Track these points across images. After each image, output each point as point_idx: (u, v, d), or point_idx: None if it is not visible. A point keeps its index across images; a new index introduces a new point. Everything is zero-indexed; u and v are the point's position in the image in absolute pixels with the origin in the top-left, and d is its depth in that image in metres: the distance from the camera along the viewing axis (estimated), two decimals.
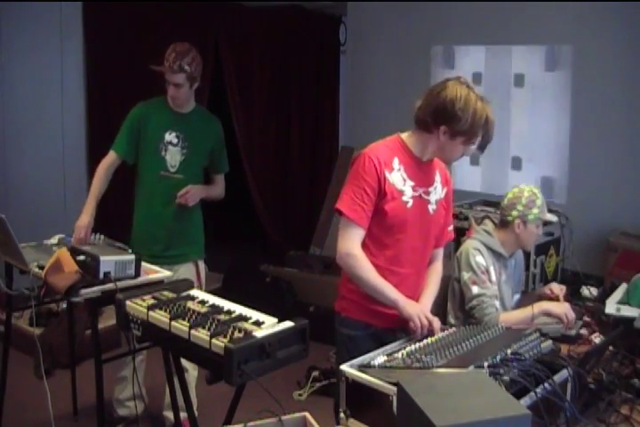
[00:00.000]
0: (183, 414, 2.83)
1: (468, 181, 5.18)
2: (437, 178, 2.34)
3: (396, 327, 2.28)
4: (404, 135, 2.29)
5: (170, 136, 3.14)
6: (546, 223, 2.92)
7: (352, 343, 2.07)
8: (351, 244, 2.18)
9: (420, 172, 2.27)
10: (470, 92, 2.15)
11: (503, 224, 2.78)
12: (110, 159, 3.16)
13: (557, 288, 2.82)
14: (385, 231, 2.22)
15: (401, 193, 2.21)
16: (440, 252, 2.47)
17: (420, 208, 2.26)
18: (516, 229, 2.72)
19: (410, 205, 2.23)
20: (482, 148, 2.24)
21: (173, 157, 3.15)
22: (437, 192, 2.33)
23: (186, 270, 3.25)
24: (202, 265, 3.38)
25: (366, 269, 2.18)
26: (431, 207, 2.30)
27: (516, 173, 4.95)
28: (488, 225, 2.83)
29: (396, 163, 2.21)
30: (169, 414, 3.24)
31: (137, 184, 3.24)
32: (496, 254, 2.75)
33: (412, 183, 2.24)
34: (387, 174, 2.18)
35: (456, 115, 2.12)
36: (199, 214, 3.35)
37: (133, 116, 3.17)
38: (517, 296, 2.92)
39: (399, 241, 2.24)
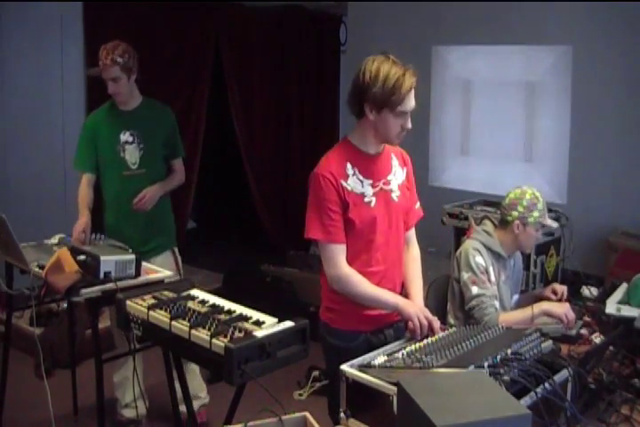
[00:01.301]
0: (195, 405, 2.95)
1: (469, 181, 5.17)
2: (394, 162, 2.32)
3: (383, 327, 2.31)
4: (350, 136, 2.27)
5: (125, 136, 3.18)
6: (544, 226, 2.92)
7: (345, 355, 2.03)
8: (337, 265, 2.18)
9: (375, 166, 2.25)
10: (385, 61, 2.12)
11: (502, 224, 2.78)
12: (85, 180, 3.22)
13: (560, 289, 2.81)
14: (357, 238, 2.21)
15: (362, 196, 2.20)
16: (412, 234, 2.44)
17: (384, 201, 2.24)
18: (515, 229, 2.72)
19: (373, 203, 2.22)
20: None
21: (132, 154, 3.18)
22: (398, 177, 2.31)
23: (164, 260, 3.27)
24: (177, 253, 3.39)
25: (359, 284, 2.19)
26: (395, 195, 2.28)
27: (517, 173, 4.94)
28: (487, 225, 2.82)
29: (349, 168, 2.19)
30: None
31: (102, 188, 3.27)
32: (495, 255, 2.74)
33: (370, 181, 2.22)
34: (344, 184, 2.17)
35: (367, 86, 2.09)
36: (168, 203, 3.37)
37: (87, 129, 3.25)
38: (516, 296, 2.92)
39: (371, 242, 2.24)
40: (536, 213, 2.70)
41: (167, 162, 3.33)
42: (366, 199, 2.21)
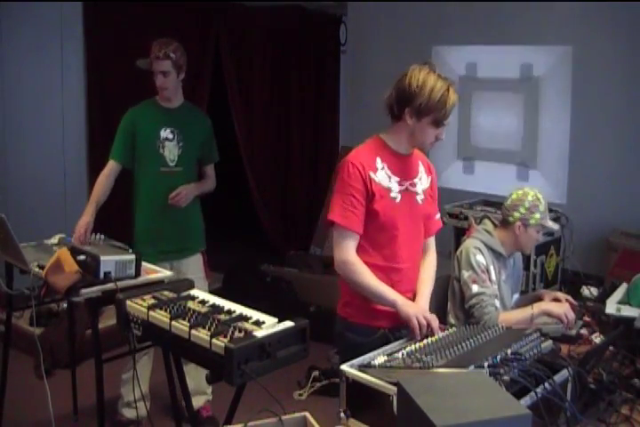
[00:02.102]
0: (197, 404, 3.12)
1: (469, 181, 5.18)
2: (421, 168, 2.39)
3: (400, 325, 2.30)
4: (383, 134, 2.34)
5: (165, 132, 3.21)
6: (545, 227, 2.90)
7: (362, 350, 2.03)
8: (345, 251, 2.22)
9: (403, 166, 2.32)
10: (430, 73, 2.21)
11: (504, 224, 2.78)
12: (110, 168, 3.22)
13: (563, 298, 2.81)
14: (379, 230, 2.26)
15: (388, 190, 2.25)
16: (431, 242, 2.49)
17: (408, 201, 2.30)
18: (516, 230, 2.72)
19: (398, 200, 2.27)
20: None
21: (171, 151, 3.22)
22: (423, 182, 2.37)
23: (195, 261, 3.36)
24: (205, 255, 3.47)
25: (362, 273, 2.21)
26: (419, 198, 2.34)
27: (517, 173, 4.95)
28: (488, 225, 2.83)
29: (378, 162, 2.26)
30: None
31: (136, 184, 3.28)
32: (496, 254, 2.75)
33: (398, 178, 2.28)
34: (372, 175, 2.23)
35: (414, 93, 2.18)
36: (199, 206, 3.42)
37: (126, 123, 3.23)
38: (516, 296, 2.92)
39: (394, 237, 2.28)
40: (537, 215, 2.71)
41: (199, 165, 3.38)
42: (392, 194, 2.26)
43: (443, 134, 2.28)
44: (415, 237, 2.35)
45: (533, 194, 2.75)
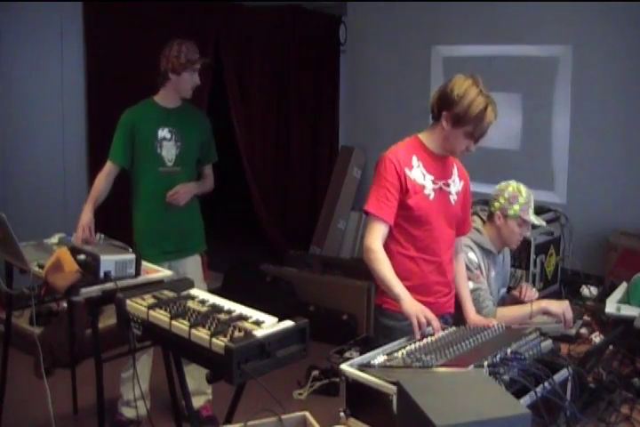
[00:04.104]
0: (197, 404, 3.13)
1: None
2: (455, 171, 2.50)
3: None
4: (421, 134, 2.44)
5: (163, 132, 3.20)
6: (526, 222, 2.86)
7: (392, 333, 2.20)
8: (372, 238, 2.31)
9: (438, 166, 2.42)
10: (474, 85, 2.28)
11: (489, 217, 2.83)
12: (108, 169, 3.21)
13: (524, 288, 2.83)
14: (413, 224, 2.37)
15: (422, 187, 2.36)
16: (460, 242, 2.61)
17: (442, 199, 2.41)
18: (497, 221, 2.76)
19: (432, 197, 2.37)
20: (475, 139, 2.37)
21: (169, 151, 3.21)
22: (456, 185, 2.48)
23: (194, 262, 3.36)
24: (204, 256, 3.47)
25: (381, 263, 2.29)
26: (452, 198, 2.45)
27: (516, 173, 4.94)
28: (477, 222, 2.84)
29: (414, 160, 2.36)
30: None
31: (135, 185, 3.27)
32: (485, 251, 2.77)
33: (432, 177, 2.38)
34: (407, 172, 2.33)
35: (453, 99, 2.27)
36: (198, 206, 3.42)
37: (125, 123, 3.21)
38: (503, 290, 2.94)
39: (428, 231, 2.39)
40: (516, 207, 2.72)
41: (198, 165, 3.37)
42: (426, 191, 2.37)
43: (473, 147, 2.36)
44: (447, 233, 2.45)
45: (515, 186, 2.78)
